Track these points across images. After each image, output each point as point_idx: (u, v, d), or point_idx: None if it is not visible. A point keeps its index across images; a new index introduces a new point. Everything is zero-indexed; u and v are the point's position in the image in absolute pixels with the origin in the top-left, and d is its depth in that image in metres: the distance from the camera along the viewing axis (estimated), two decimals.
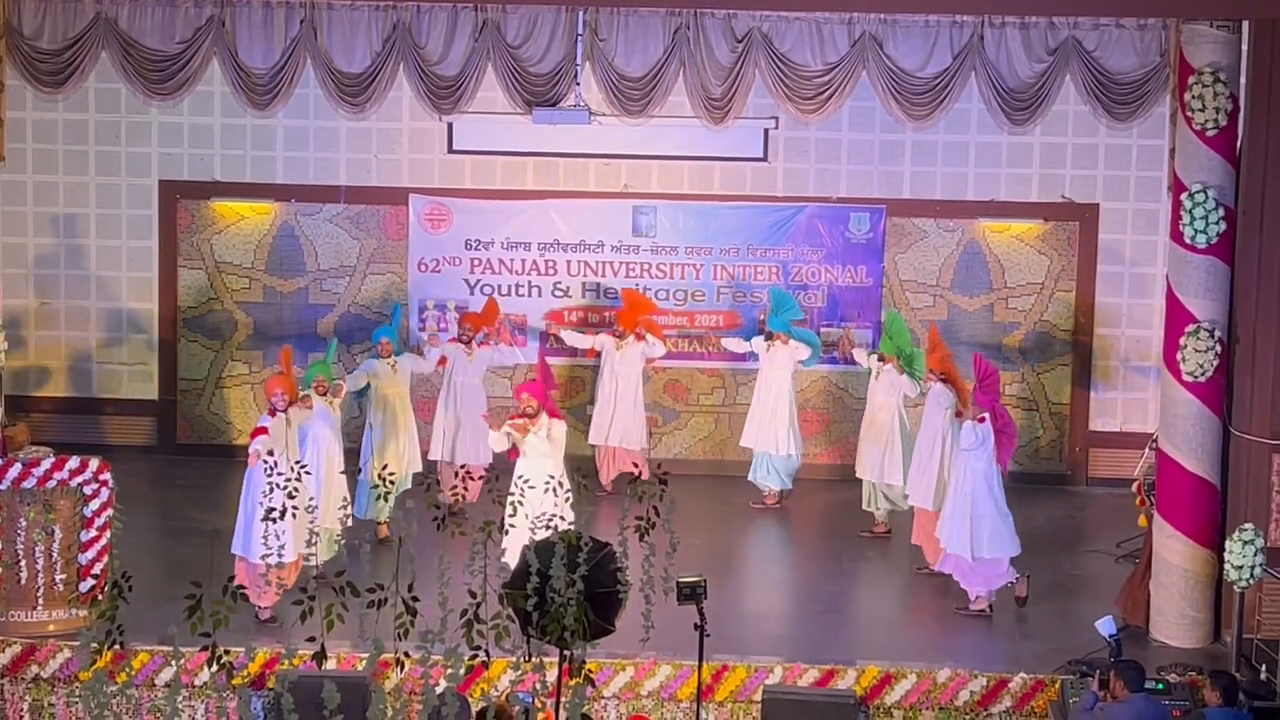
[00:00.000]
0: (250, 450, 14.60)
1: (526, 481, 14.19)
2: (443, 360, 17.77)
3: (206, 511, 17.02)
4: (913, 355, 16.80)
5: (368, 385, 16.94)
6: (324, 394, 15.86)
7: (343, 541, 15.58)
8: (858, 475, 17.42)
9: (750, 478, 18.14)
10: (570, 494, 12.66)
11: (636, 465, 17.67)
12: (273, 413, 14.95)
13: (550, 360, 17.50)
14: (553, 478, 12.27)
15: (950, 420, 15.63)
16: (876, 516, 17.23)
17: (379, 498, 15.90)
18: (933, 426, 15.97)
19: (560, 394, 18.30)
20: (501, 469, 15.74)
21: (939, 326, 17.44)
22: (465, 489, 15.43)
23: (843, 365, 18.78)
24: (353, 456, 16.81)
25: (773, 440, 17.85)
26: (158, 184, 19.26)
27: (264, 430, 14.72)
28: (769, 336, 17.90)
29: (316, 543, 12.67)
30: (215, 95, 18.52)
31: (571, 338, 18.65)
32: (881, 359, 17.14)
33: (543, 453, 15.29)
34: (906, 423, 17.03)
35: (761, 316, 18.38)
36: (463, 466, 16.86)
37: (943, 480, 15.75)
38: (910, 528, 16.31)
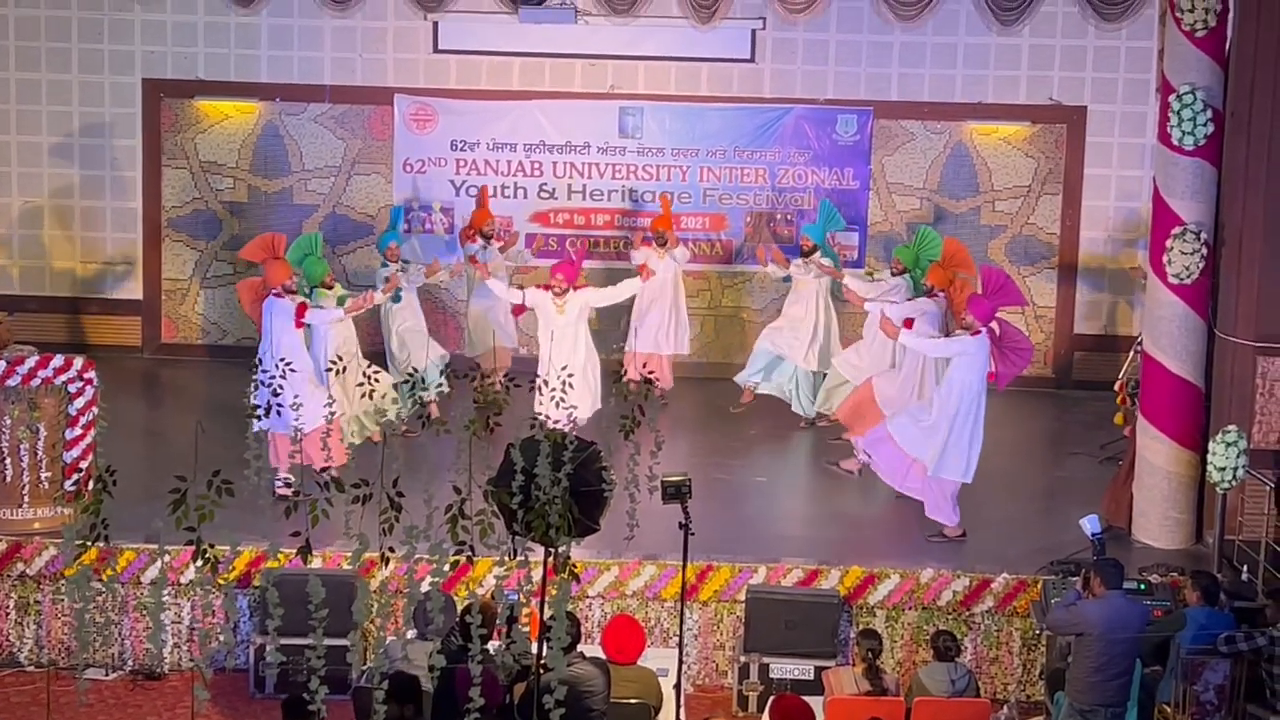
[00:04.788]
0: (317, 320, 15.03)
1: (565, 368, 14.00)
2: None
3: (192, 411, 17.00)
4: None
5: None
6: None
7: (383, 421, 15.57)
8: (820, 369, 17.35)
9: (743, 377, 17.73)
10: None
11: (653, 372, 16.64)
12: (279, 295, 14.91)
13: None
14: (538, 376, 12.18)
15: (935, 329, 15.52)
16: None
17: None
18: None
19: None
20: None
21: (938, 234, 16.88)
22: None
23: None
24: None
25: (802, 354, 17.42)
26: (141, 82, 19.13)
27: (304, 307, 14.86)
28: (804, 252, 17.41)
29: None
30: None
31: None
32: (895, 269, 16.78)
33: (569, 336, 15.62)
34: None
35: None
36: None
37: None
38: None
